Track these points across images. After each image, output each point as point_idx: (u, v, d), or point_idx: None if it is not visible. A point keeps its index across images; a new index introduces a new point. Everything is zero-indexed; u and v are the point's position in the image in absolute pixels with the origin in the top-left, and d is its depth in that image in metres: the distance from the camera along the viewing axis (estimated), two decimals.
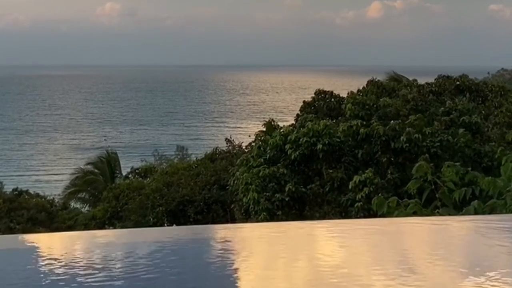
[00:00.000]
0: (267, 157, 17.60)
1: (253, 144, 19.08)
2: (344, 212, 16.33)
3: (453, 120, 19.63)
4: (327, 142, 17.22)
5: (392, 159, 17.65)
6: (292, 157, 17.28)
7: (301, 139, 17.35)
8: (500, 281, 1.74)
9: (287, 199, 16.70)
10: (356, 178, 16.14)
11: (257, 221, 16.20)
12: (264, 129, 19.23)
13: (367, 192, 15.85)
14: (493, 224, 2.53)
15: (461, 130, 17.95)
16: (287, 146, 17.43)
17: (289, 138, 17.49)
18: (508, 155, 6.97)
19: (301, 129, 17.82)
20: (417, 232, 2.46)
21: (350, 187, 16.19)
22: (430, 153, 16.92)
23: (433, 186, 7.11)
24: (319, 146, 17.13)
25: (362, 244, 2.22)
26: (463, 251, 2.16)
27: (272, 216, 16.41)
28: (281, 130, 18.36)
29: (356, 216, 15.55)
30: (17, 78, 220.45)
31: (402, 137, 17.33)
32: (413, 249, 2.18)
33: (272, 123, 19.57)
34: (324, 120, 18.25)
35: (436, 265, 1.93)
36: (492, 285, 1.70)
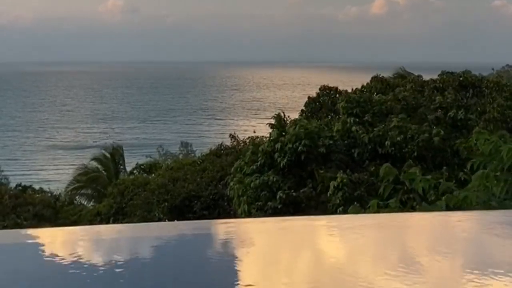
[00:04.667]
0: (259, 164, 17.57)
1: (248, 147, 19.09)
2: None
3: (438, 118, 19.53)
4: (307, 143, 17.15)
5: (380, 162, 17.59)
6: (281, 165, 17.28)
7: (287, 146, 17.31)
8: (506, 278, 1.72)
9: (279, 206, 16.64)
10: (332, 184, 16.11)
11: None
12: (274, 123, 19.22)
13: (341, 195, 15.83)
14: (497, 219, 2.51)
15: (435, 131, 17.91)
16: (276, 155, 17.40)
17: (276, 146, 17.43)
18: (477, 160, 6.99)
19: (285, 135, 17.70)
20: (420, 227, 2.43)
21: (328, 194, 16.12)
22: (412, 157, 16.93)
23: (405, 187, 7.23)
24: (300, 148, 17.10)
25: (364, 239, 2.21)
26: (468, 247, 2.14)
27: None
28: (271, 136, 18.27)
29: None
30: (19, 74, 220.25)
31: (386, 142, 17.36)
32: (416, 245, 2.17)
33: (282, 117, 19.50)
34: (304, 122, 18.07)
35: (440, 261, 1.92)
36: (498, 282, 1.68)
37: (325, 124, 19.21)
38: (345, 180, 15.93)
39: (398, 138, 17.35)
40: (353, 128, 17.67)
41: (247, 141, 20.19)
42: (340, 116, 19.61)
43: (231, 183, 17.82)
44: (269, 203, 16.68)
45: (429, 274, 1.80)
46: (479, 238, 2.22)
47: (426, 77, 26.96)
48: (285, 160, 17.16)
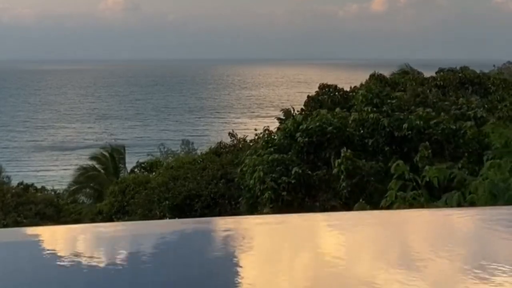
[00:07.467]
0: (276, 142, 17.83)
1: (262, 136, 19.32)
2: (341, 199, 16.53)
3: (463, 114, 19.66)
4: (338, 125, 17.44)
5: (395, 148, 17.71)
6: (301, 143, 17.45)
7: (312, 126, 17.55)
8: (506, 274, 1.71)
9: (293, 181, 16.83)
10: (337, 168, 16.40)
11: (262, 201, 16.47)
12: (283, 117, 19.35)
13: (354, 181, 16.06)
14: (498, 216, 2.51)
15: (469, 123, 17.87)
16: (297, 134, 17.61)
17: (300, 127, 17.68)
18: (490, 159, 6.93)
19: (313, 118, 17.99)
20: (420, 224, 2.42)
21: (333, 171, 16.43)
22: (431, 141, 16.98)
23: (414, 183, 7.20)
24: (330, 128, 17.32)
25: (364, 236, 2.20)
26: (469, 244, 2.12)
27: (277, 197, 16.54)
28: (295, 118, 18.57)
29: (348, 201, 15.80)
30: (19, 72, 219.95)
31: (404, 125, 17.41)
32: (416, 242, 2.15)
33: (291, 112, 19.62)
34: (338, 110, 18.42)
35: (440, 258, 1.91)
36: (499, 279, 1.67)
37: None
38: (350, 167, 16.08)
39: (418, 122, 17.42)
40: (371, 116, 17.76)
41: (260, 134, 20.23)
42: (353, 108, 19.75)
43: (246, 160, 17.94)
44: (283, 178, 16.84)
45: (430, 271, 1.80)
46: (480, 235, 2.22)
47: (427, 74, 26.95)
48: (306, 139, 17.37)
